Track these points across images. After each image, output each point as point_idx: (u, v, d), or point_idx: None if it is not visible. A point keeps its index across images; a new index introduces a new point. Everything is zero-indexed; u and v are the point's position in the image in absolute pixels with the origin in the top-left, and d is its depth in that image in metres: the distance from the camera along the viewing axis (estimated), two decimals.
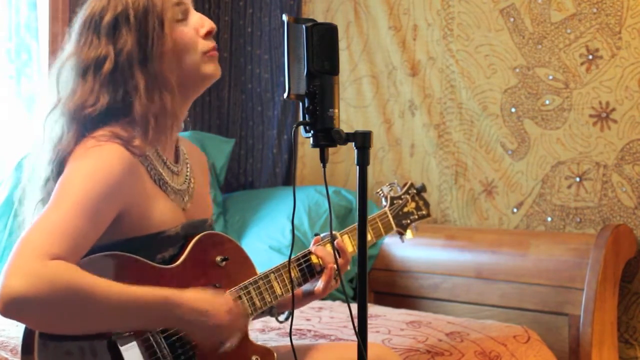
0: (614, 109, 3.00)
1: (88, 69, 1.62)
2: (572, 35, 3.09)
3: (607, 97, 3.01)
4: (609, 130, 3.01)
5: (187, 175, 1.75)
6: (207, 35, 1.69)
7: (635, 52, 2.95)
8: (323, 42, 1.48)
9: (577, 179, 3.08)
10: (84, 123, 1.60)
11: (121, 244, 1.56)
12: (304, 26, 1.48)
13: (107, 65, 1.61)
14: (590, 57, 3.05)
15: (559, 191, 3.12)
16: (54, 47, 3.37)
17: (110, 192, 1.51)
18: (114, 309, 1.42)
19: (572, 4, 3.08)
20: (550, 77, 3.14)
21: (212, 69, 1.70)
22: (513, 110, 3.23)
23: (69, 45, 1.68)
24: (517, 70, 3.21)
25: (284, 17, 1.49)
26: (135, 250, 1.57)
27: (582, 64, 3.07)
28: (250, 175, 3.93)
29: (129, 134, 1.59)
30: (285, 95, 1.51)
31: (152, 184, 1.64)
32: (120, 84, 1.62)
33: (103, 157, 1.54)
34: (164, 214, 1.64)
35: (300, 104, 1.51)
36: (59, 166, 1.58)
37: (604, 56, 3.02)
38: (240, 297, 1.68)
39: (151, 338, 1.51)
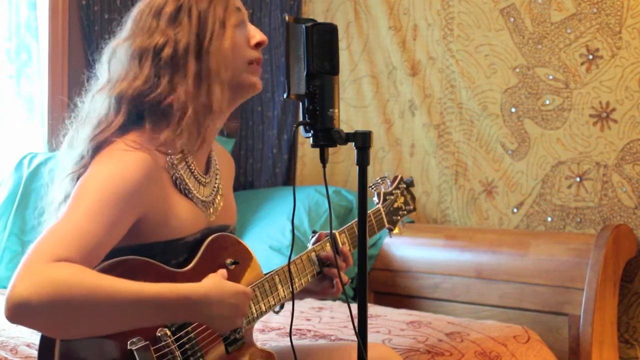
0: (614, 109, 3.00)
1: (144, 53, 1.62)
2: (572, 35, 3.09)
3: (607, 97, 3.01)
4: (609, 130, 3.01)
5: (214, 188, 1.73)
6: (257, 46, 1.69)
7: (636, 52, 2.95)
8: (323, 42, 1.48)
9: (577, 179, 3.08)
10: (132, 104, 1.59)
11: (138, 249, 1.54)
12: (304, 26, 1.48)
13: (165, 51, 1.60)
14: (591, 57, 3.05)
15: (559, 191, 3.12)
16: (54, 47, 3.37)
17: (126, 199, 1.49)
18: (124, 307, 1.38)
19: (572, 4, 3.08)
20: (551, 77, 3.13)
21: (253, 80, 1.69)
22: (513, 110, 3.23)
23: (124, 31, 1.67)
24: (517, 70, 3.21)
25: (284, 17, 1.50)
26: (151, 255, 1.55)
27: (582, 63, 3.07)
28: (250, 175, 3.93)
29: (159, 135, 1.58)
30: (285, 95, 1.51)
31: (175, 192, 1.62)
32: (172, 71, 1.61)
33: (123, 163, 1.52)
34: (186, 221, 1.62)
35: (300, 104, 1.51)
36: (96, 147, 1.57)
37: (604, 56, 3.02)
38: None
39: (165, 345, 1.50)
